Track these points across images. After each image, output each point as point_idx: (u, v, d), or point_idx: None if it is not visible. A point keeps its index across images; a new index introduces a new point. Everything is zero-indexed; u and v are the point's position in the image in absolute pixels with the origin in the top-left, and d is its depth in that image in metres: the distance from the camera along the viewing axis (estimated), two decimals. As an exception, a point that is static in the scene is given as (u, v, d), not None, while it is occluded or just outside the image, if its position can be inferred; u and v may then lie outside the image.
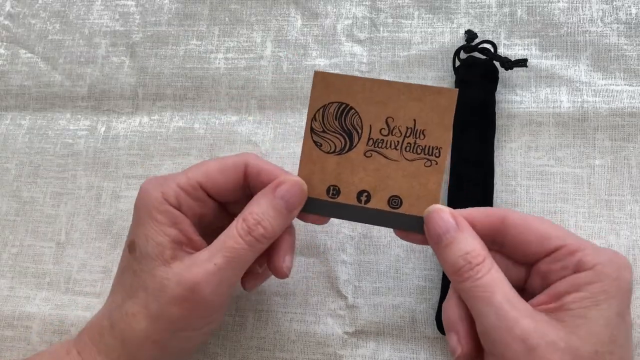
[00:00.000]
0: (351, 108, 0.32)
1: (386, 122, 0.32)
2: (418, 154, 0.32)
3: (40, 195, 0.46)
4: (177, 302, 0.30)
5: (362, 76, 0.32)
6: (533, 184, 0.41)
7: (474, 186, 0.39)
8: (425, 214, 0.31)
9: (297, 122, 0.45)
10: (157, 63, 0.48)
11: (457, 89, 0.31)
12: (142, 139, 0.47)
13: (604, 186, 0.40)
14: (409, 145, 0.32)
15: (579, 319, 0.27)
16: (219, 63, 0.48)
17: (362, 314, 0.40)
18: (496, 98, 0.42)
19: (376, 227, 0.41)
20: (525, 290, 0.31)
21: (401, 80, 0.32)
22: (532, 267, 0.31)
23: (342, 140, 0.32)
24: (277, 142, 0.45)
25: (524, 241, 0.30)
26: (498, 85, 0.42)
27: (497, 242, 0.31)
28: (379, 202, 0.32)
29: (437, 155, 0.32)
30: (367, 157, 0.32)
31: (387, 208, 0.32)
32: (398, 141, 0.32)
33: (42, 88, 0.49)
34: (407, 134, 0.32)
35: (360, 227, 0.42)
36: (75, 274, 0.44)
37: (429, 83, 0.44)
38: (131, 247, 0.32)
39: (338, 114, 0.32)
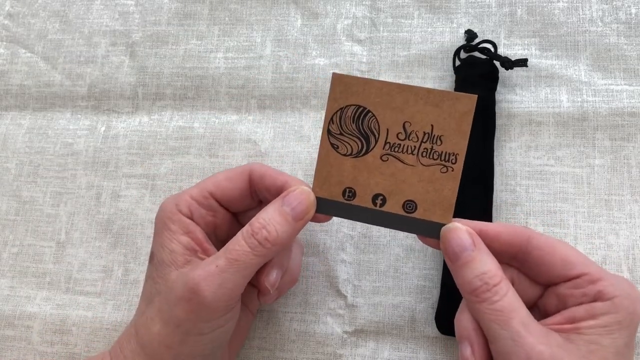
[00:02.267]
0: (369, 111, 0.32)
1: (403, 126, 0.32)
2: (434, 159, 0.32)
3: (40, 194, 0.46)
4: (182, 303, 0.30)
5: (380, 79, 0.32)
6: (533, 183, 0.41)
7: (474, 185, 0.39)
8: (443, 231, 0.31)
9: (297, 121, 0.45)
10: (157, 62, 0.48)
11: (476, 95, 0.31)
12: (142, 138, 0.47)
13: (603, 186, 0.40)
14: (425, 150, 0.32)
15: (593, 344, 0.28)
16: (218, 62, 0.48)
17: (361, 313, 0.40)
18: (496, 98, 0.42)
19: (376, 227, 0.41)
20: (536, 307, 0.32)
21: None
22: (548, 287, 0.31)
23: (359, 144, 0.32)
24: (277, 141, 0.45)
25: (548, 263, 0.30)
26: (498, 85, 0.42)
27: (518, 259, 0.31)
28: (394, 206, 0.32)
29: (453, 161, 0.31)
30: (384, 160, 0.32)
31: (402, 212, 0.32)
32: (415, 146, 0.32)
33: (42, 88, 0.49)
34: (424, 139, 0.31)
35: (359, 227, 0.42)
36: (75, 273, 0.44)
37: (429, 82, 0.44)
38: (151, 257, 0.34)
39: (355, 117, 0.32)
